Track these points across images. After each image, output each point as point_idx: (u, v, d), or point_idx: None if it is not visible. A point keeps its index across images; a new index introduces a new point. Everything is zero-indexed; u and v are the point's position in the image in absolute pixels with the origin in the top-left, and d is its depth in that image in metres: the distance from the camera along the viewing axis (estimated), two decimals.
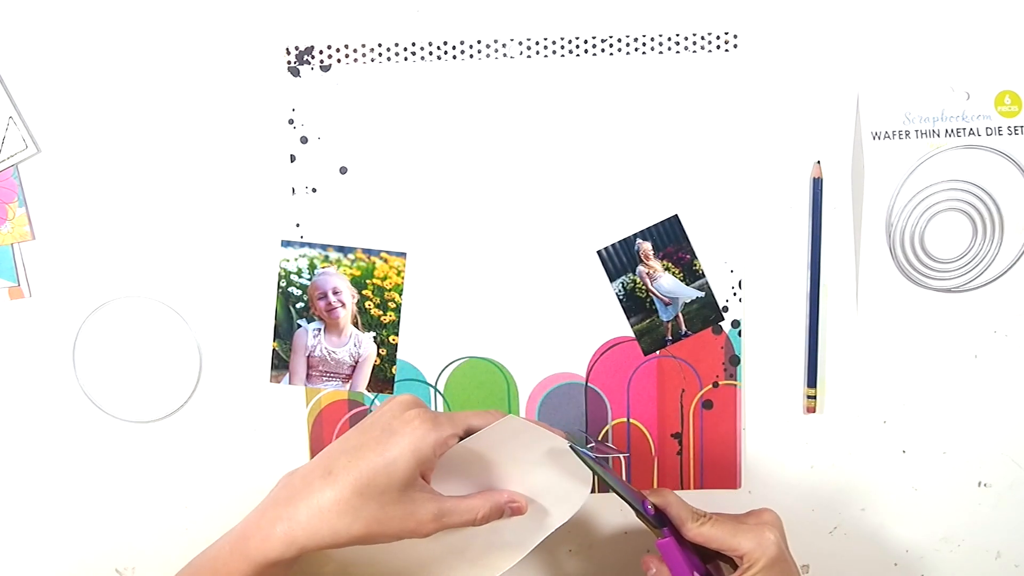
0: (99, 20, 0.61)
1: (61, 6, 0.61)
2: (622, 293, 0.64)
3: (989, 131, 0.63)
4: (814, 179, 0.63)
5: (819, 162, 0.63)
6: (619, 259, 0.63)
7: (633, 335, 0.65)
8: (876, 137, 0.62)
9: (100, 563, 0.67)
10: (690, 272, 0.64)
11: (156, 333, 0.64)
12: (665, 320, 0.65)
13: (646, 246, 0.63)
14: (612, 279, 0.64)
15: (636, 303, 0.64)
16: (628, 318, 0.64)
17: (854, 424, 0.66)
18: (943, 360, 0.66)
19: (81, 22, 0.61)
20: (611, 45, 0.62)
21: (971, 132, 0.63)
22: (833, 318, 0.65)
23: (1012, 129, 0.63)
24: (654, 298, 0.64)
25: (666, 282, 0.63)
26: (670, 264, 0.64)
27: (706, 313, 0.64)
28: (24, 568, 0.66)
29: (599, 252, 0.63)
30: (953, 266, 0.64)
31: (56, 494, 0.66)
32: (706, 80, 0.62)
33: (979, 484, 0.68)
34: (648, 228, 0.63)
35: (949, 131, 0.62)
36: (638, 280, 0.64)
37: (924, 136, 0.62)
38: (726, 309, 0.65)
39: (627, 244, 0.63)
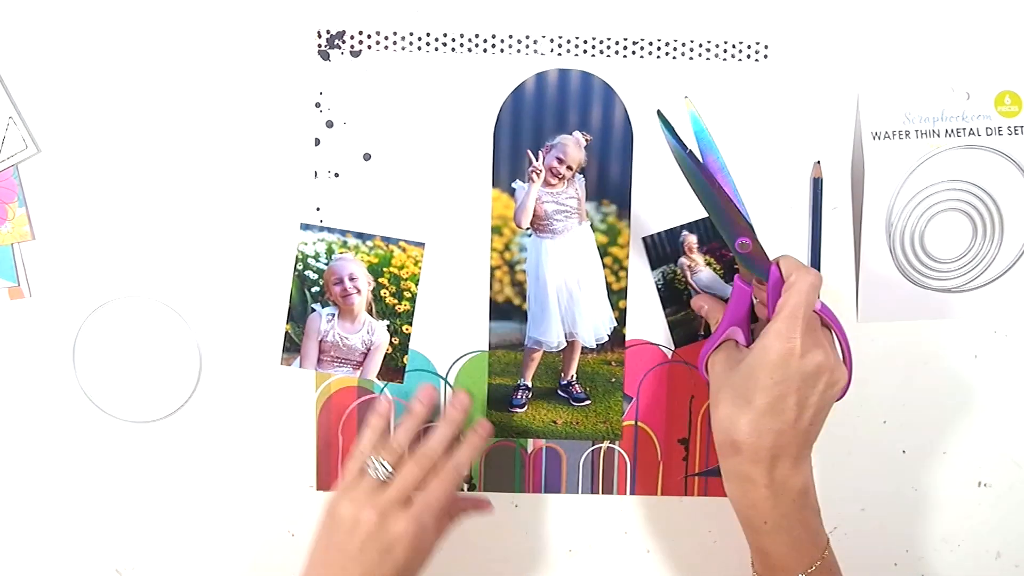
0: (100, 18, 0.61)
1: (61, 6, 0.61)
2: (661, 283, 0.64)
3: (989, 131, 0.63)
4: (814, 179, 0.63)
5: (819, 162, 0.63)
6: (663, 248, 0.63)
7: (667, 327, 0.65)
8: (876, 137, 0.62)
9: (100, 563, 0.67)
10: (731, 271, 0.64)
11: (156, 333, 0.64)
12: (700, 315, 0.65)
13: (691, 239, 0.63)
14: (653, 267, 0.64)
15: (674, 294, 0.64)
16: (664, 308, 0.64)
17: (854, 424, 0.66)
18: (943, 360, 0.66)
19: (81, 21, 0.61)
20: (642, 48, 0.62)
21: (971, 132, 0.63)
22: None
23: (1012, 129, 0.63)
24: (692, 292, 0.64)
25: (705, 276, 0.63)
26: (712, 260, 0.64)
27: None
28: (24, 568, 0.66)
29: (644, 239, 0.63)
30: (953, 266, 0.64)
31: (56, 494, 0.66)
32: (706, 80, 0.62)
33: (979, 484, 0.68)
34: (696, 221, 0.63)
35: (949, 131, 0.62)
36: (679, 272, 0.64)
37: (924, 136, 0.62)
38: None
39: (673, 235, 0.63)
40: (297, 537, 0.66)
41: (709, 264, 0.64)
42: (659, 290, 0.64)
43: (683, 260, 0.63)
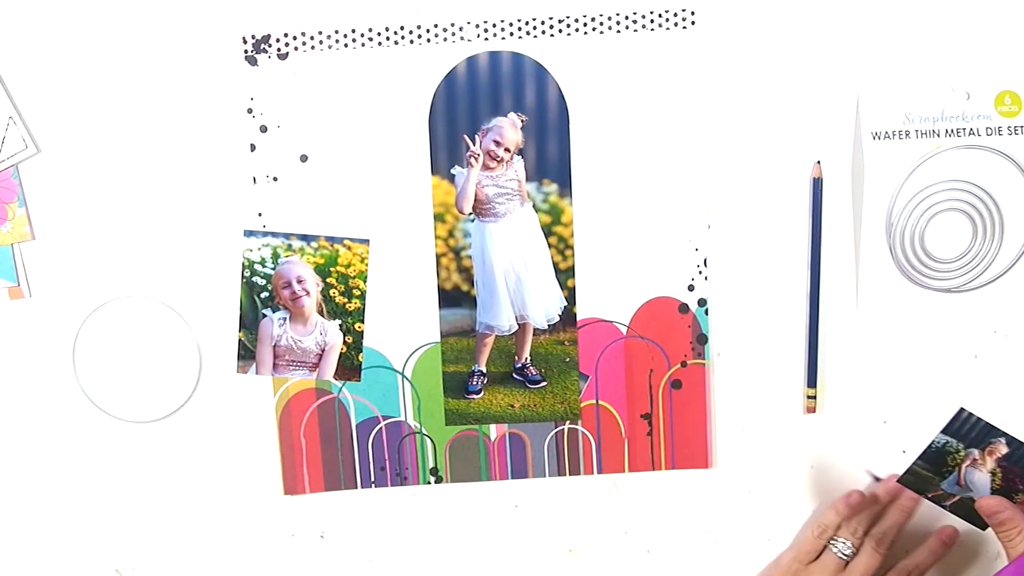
0: (99, 19, 0.61)
1: (61, 6, 0.61)
2: (939, 445, 0.59)
3: (989, 131, 0.63)
4: (814, 179, 0.63)
5: (819, 162, 0.63)
6: (968, 430, 0.58)
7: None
8: (876, 137, 0.62)
9: (100, 563, 0.67)
10: (1006, 492, 0.60)
11: (156, 333, 0.64)
12: (944, 489, 0.61)
13: (1001, 447, 0.59)
14: (945, 431, 0.59)
15: (940, 460, 0.60)
16: (924, 462, 0.60)
17: (854, 424, 0.66)
18: (943, 360, 0.66)
19: (80, 22, 0.61)
20: (569, 25, 0.62)
21: (971, 132, 0.63)
22: (833, 318, 0.65)
23: (1012, 129, 0.63)
24: (954, 472, 0.60)
25: (978, 479, 0.60)
26: (999, 473, 0.59)
27: (975, 516, 0.61)
28: (24, 568, 0.66)
29: (962, 410, 0.58)
30: (953, 266, 0.64)
31: (56, 494, 0.66)
32: (706, 79, 0.62)
33: None
34: (1014, 439, 0.58)
35: (949, 131, 0.62)
36: (960, 454, 0.59)
37: (924, 136, 0.62)
38: (692, 288, 0.64)
39: (988, 430, 0.58)
40: (297, 538, 0.67)
41: (993, 474, 0.60)
42: (931, 447, 0.59)
43: (975, 452, 0.59)
